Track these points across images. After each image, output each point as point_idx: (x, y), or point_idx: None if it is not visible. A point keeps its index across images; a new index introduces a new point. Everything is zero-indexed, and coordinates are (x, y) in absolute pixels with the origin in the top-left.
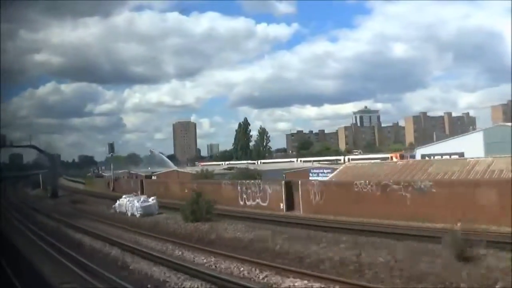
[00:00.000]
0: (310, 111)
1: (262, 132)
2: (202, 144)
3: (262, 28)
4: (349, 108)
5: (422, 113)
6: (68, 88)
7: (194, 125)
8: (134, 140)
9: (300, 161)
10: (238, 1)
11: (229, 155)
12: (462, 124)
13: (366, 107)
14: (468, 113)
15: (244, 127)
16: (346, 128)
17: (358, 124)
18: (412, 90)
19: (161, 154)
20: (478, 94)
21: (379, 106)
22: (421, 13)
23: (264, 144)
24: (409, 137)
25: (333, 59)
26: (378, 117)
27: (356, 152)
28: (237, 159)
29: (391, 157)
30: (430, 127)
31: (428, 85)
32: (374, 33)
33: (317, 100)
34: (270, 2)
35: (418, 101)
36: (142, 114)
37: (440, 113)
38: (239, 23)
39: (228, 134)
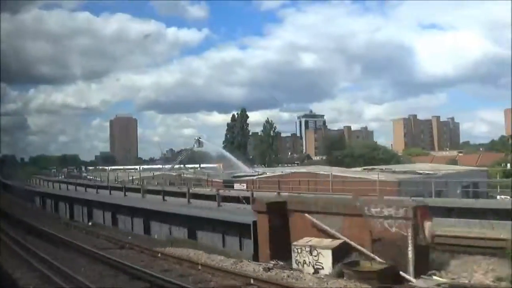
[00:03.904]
0: (216, 118)
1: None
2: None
3: (172, 32)
4: (256, 116)
5: (324, 126)
6: None
7: (136, 121)
8: (37, 142)
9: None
10: (150, 2)
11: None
12: (361, 137)
13: (311, 111)
14: (366, 127)
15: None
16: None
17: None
18: (319, 100)
19: (221, 149)
20: (385, 107)
21: (285, 115)
22: (332, 24)
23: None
24: (310, 149)
25: (242, 67)
26: (324, 122)
27: None
28: None
29: None
30: (327, 139)
31: (335, 96)
32: (284, 42)
33: (224, 107)
34: (182, 5)
35: (325, 112)
36: (46, 115)
37: (344, 124)
38: (150, 26)
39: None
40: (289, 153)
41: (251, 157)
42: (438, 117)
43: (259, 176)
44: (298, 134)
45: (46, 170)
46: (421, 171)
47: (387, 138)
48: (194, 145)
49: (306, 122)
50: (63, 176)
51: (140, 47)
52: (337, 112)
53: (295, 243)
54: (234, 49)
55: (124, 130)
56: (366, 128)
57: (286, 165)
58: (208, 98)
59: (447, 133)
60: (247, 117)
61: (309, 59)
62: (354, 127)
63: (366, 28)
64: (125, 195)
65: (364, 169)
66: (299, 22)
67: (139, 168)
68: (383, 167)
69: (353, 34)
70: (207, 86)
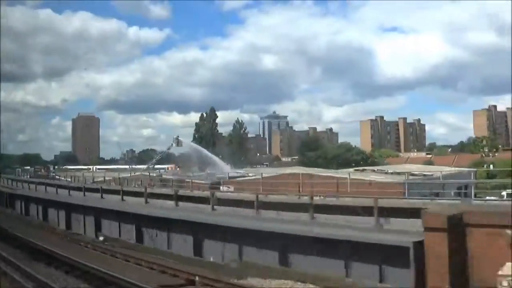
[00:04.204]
0: (176, 118)
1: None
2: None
3: (133, 31)
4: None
5: (289, 127)
6: None
7: (98, 120)
8: None
9: None
10: (112, 1)
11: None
12: (326, 139)
13: (274, 112)
14: (331, 128)
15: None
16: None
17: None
18: (279, 102)
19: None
20: (345, 109)
21: (245, 116)
22: (293, 26)
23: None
24: (276, 150)
25: (203, 67)
26: (287, 123)
27: None
28: None
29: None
30: (297, 140)
31: (295, 98)
32: (245, 43)
33: (184, 107)
34: (144, 4)
35: (285, 113)
36: (5, 113)
37: (306, 127)
38: (111, 25)
39: None
40: (257, 154)
41: (220, 157)
42: (404, 119)
43: (248, 178)
44: (261, 135)
45: (9, 169)
46: (416, 172)
47: (349, 140)
48: (172, 144)
49: (270, 123)
50: (28, 176)
51: (102, 46)
52: (297, 114)
53: (502, 272)
54: (195, 49)
55: (86, 129)
56: (331, 129)
57: (254, 166)
58: (168, 98)
59: (413, 135)
60: (216, 116)
61: (270, 60)
62: (319, 128)
63: (327, 30)
64: (122, 199)
65: (356, 170)
66: (261, 23)
67: (106, 168)
68: (375, 168)
69: (314, 36)
70: (168, 86)
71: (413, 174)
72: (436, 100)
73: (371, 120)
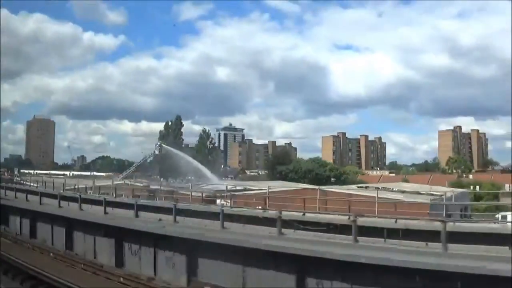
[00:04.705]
0: (127, 126)
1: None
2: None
3: (88, 36)
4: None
5: (248, 140)
6: None
7: (54, 124)
8: None
9: None
10: (69, 4)
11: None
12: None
13: (231, 124)
14: (290, 143)
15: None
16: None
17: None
18: (231, 114)
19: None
20: (296, 124)
21: (196, 128)
22: (248, 39)
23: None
24: (234, 162)
25: (156, 76)
26: (243, 136)
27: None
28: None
29: None
30: (255, 153)
31: (247, 111)
32: (199, 54)
33: (135, 115)
34: (101, 9)
35: (236, 126)
36: None
37: (265, 141)
38: (67, 28)
39: None
40: (222, 166)
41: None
42: (366, 136)
43: (254, 192)
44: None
45: None
46: (435, 193)
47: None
48: (154, 151)
49: (226, 135)
50: None
51: (56, 49)
52: (247, 127)
53: None
54: (149, 58)
55: (41, 132)
56: (290, 143)
57: (223, 178)
58: (120, 106)
59: (374, 153)
60: (182, 125)
61: (224, 72)
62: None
63: (282, 46)
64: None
65: (359, 187)
66: (216, 35)
67: (70, 174)
68: (380, 185)
69: (269, 50)
70: (120, 94)
71: (432, 194)
72: (388, 120)
73: (333, 136)
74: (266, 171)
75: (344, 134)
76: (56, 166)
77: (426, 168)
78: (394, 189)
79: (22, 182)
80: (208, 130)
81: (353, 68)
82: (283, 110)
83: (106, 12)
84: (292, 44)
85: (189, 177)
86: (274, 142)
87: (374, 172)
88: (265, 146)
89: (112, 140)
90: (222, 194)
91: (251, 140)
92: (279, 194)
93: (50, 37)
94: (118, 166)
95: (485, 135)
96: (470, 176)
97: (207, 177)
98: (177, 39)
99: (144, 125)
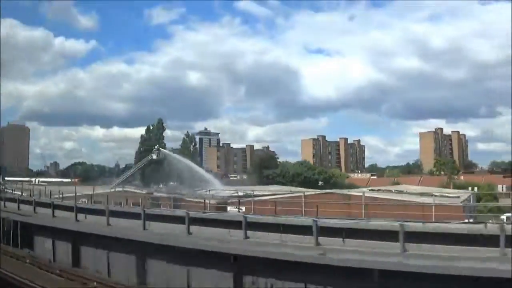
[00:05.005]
0: (98, 132)
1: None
2: None
3: (59, 41)
4: (140, 132)
5: (226, 144)
6: None
7: (28, 130)
8: None
9: None
10: (41, 8)
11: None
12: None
13: (206, 128)
14: (268, 146)
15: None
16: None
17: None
18: (204, 119)
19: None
20: (267, 128)
21: (169, 133)
22: (220, 43)
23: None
24: (212, 166)
25: (128, 81)
26: (218, 140)
27: None
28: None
29: None
30: (233, 157)
31: (219, 116)
32: (171, 58)
33: (106, 121)
34: (73, 14)
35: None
36: None
37: (240, 145)
38: (38, 33)
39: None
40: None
41: None
42: (345, 139)
43: (275, 197)
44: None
45: None
46: (451, 195)
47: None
48: (151, 156)
49: (201, 140)
50: None
51: (27, 55)
52: (221, 131)
53: None
54: (120, 63)
55: (16, 139)
56: (268, 147)
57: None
58: (91, 111)
59: (354, 155)
60: (164, 129)
61: (195, 77)
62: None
63: (253, 50)
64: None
65: (371, 189)
66: (188, 39)
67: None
68: (392, 188)
69: (240, 54)
70: (91, 99)
71: (447, 196)
72: (360, 123)
73: (313, 139)
74: (246, 176)
75: (324, 137)
76: (31, 173)
77: (409, 171)
78: (406, 192)
79: (11, 191)
80: (192, 134)
81: (324, 71)
82: (254, 114)
83: (78, 16)
84: (263, 48)
85: (187, 183)
86: (252, 146)
87: (356, 175)
88: (243, 150)
89: (84, 146)
90: (233, 201)
91: (229, 144)
92: (307, 199)
93: (21, 42)
94: (100, 172)
95: (465, 137)
96: (462, 178)
97: (211, 182)
98: (149, 44)
99: (116, 131)
